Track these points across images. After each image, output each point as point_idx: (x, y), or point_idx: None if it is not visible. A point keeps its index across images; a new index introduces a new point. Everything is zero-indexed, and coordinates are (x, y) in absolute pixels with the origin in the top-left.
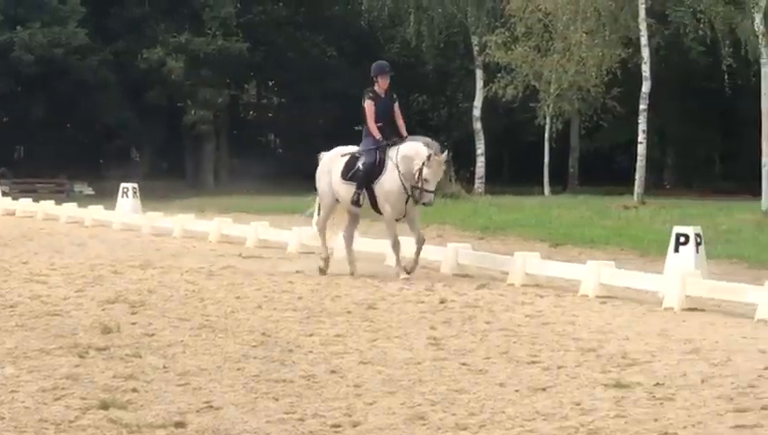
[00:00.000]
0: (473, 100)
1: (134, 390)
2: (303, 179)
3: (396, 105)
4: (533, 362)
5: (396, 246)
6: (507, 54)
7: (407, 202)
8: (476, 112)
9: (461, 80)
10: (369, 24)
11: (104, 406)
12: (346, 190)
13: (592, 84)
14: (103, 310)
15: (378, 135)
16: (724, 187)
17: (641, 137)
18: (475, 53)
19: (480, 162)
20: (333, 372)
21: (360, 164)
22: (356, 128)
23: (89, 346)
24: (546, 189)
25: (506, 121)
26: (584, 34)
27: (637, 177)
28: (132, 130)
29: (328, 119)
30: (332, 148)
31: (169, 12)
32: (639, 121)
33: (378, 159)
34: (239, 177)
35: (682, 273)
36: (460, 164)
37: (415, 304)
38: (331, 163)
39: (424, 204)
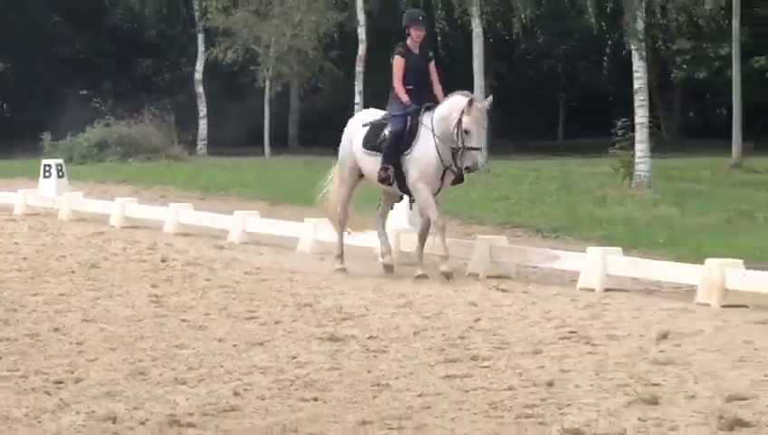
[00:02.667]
0: (195, 64)
1: None
2: (33, 144)
3: (431, 65)
4: (251, 318)
5: (442, 229)
6: (227, 19)
7: (443, 177)
8: (198, 76)
9: (183, 44)
10: None
11: None
12: (369, 163)
13: (310, 47)
14: None
15: (405, 98)
16: None
17: (357, 98)
18: (196, 17)
19: (202, 124)
20: (56, 329)
21: (386, 132)
22: (81, 92)
23: None
24: (267, 151)
25: (228, 84)
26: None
27: None
28: None
29: (52, 82)
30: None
31: None
32: (356, 83)
33: (408, 127)
34: None
35: (396, 229)
36: (183, 127)
37: (137, 262)
38: (353, 131)
39: (467, 169)
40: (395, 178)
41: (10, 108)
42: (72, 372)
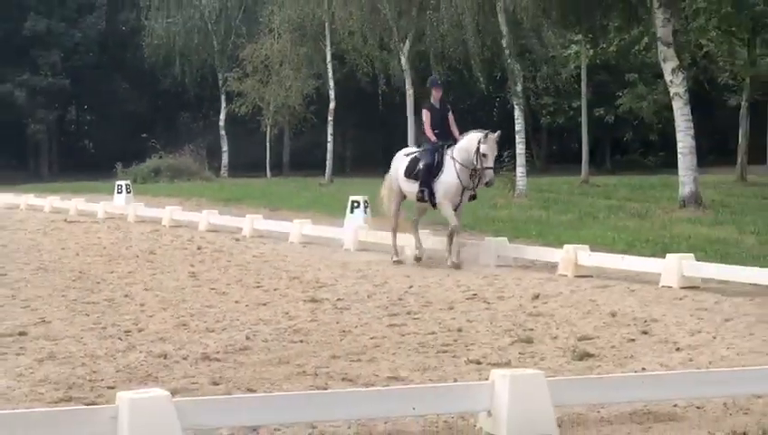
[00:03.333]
0: (219, 115)
1: None
2: (109, 171)
3: (449, 114)
4: (258, 287)
5: (454, 233)
6: (241, 85)
7: (462, 193)
8: (221, 123)
9: (212, 101)
10: (149, 65)
11: None
12: (409, 187)
13: (297, 104)
14: None
15: (433, 138)
16: (386, 169)
17: (329, 138)
18: (220, 84)
19: (224, 156)
20: (126, 296)
21: (420, 164)
22: (143, 135)
23: None
24: (268, 174)
25: (242, 128)
26: (291, 72)
27: (327, 164)
28: None
29: (123, 129)
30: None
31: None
32: (328, 128)
33: (436, 160)
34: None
35: (355, 226)
36: (211, 158)
37: (181, 250)
38: (398, 163)
39: (486, 184)
40: (428, 196)
41: (94, 146)
42: (136, 325)
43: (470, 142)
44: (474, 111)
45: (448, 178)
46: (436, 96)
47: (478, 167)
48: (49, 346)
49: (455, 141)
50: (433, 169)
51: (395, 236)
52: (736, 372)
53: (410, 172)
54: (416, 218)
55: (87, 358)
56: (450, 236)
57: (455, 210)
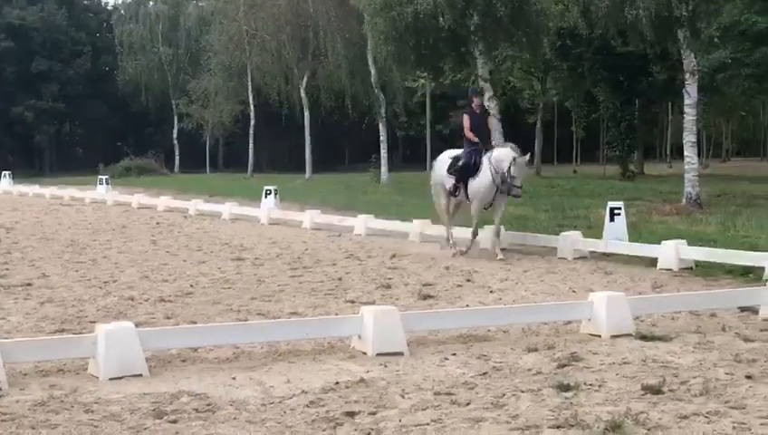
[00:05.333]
0: (173, 131)
1: (6, 268)
2: (94, 168)
3: (489, 118)
4: (199, 250)
5: (475, 233)
6: (188, 108)
7: (495, 194)
8: (175, 135)
9: (168, 119)
10: (123, 94)
11: None
12: (449, 181)
13: (228, 122)
14: None
15: (474, 139)
16: (291, 168)
17: (251, 146)
18: (174, 107)
19: (177, 159)
20: (105, 257)
21: (459, 163)
22: (118, 144)
23: None
24: (208, 170)
25: (190, 141)
26: (222, 99)
27: (249, 163)
28: None
29: (104, 139)
30: None
31: None
32: (250, 139)
33: (473, 161)
34: None
35: (268, 207)
36: (166, 160)
37: (145, 225)
38: (441, 163)
39: (515, 196)
40: (462, 191)
41: (83, 151)
42: (112, 277)
43: (505, 156)
44: (352, 127)
45: (483, 180)
46: (475, 103)
47: (508, 181)
48: (48, 293)
49: (492, 147)
50: (470, 169)
51: (448, 230)
52: (529, 307)
53: (451, 169)
54: (453, 212)
55: (76, 301)
56: (496, 233)
57: (490, 210)
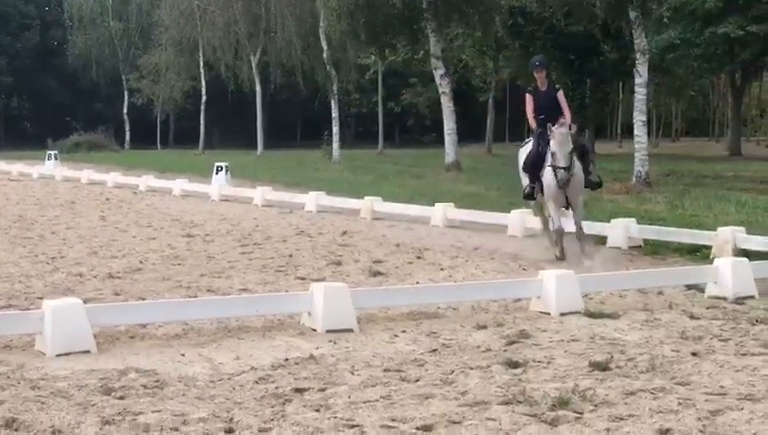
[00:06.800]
0: (123, 105)
1: None
2: (42, 144)
3: (559, 94)
4: (149, 226)
5: (547, 231)
6: (139, 83)
7: (565, 191)
8: (125, 111)
9: (118, 95)
10: (72, 68)
11: None
12: (525, 181)
13: (179, 98)
14: None
15: (534, 124)
16: (243, 145)
17: (202, 122)
18: (124, 83)
19: (127, 135)
20: (53, 233)
21: (525, 157)
22: (66, 119)
23: None
24: (159, 146)
25: (141, 115)
26: (174, 75)
27: (200, 139)
28: None
29: (53, 114)
30: None
31: None
32: (201, 114)
33: (539, 150)
34: None
35: (218, 184)
36: (115, 135)
37: (93, 200)
38: (521, 154)
39: (591, 187)
40: (539, 191)
41: (31, 126)
42: (60, 253)
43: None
44: (304, 103)
45: (547, 176)
46: (540, 79)
47: (552, 161)
48: None
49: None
50: (537, 161)
51: (545, 231)
52: (479, 284)
53: (525, 166)
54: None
55: (23, 277)
56: (578, 238)
57: (570, 208)
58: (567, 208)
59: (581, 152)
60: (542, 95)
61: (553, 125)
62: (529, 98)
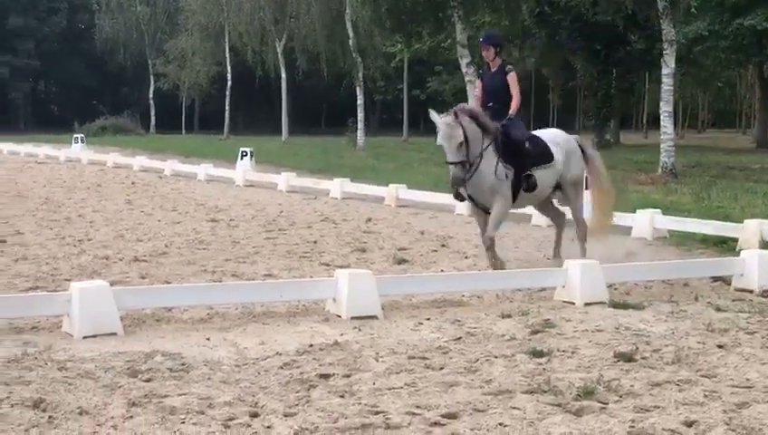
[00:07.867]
0: (149, 90)
1: None
2: (70, 127)
3: (509, 76)
4: (174, 210)
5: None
6: (165, 68)
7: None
8: (151, 95)
9: (145, 79)
10: (100, 52)
11: None
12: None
13: (204, 83)
14: None
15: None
16: (268, 131)
17: (227, 107)
18: (150, 67)
19: (153, 119)
20: (80, 215)
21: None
22: (93, 102)
23: None
24: (184, 131)
25: (166, 101)
26: (200, 60)
27: (225, 125)
28: None
29: (80, 98)
30: None
31: None
32: (226, 99)
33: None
34: None
35: (243, 169)
36: (141, 120)
37: (119, 184)
38: None
39: (451, 182)
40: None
41: (57, 109)
42: (87, 236)
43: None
44: (329, 90)
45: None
46: (488, 57)
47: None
48: (22, 251)
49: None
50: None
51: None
52: (503, 273)
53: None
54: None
55: (50, 259)
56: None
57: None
58: (487, 214)
59: (513, 151)
60: (489, 78)
61: (504, 113)
62: (478, 83)
